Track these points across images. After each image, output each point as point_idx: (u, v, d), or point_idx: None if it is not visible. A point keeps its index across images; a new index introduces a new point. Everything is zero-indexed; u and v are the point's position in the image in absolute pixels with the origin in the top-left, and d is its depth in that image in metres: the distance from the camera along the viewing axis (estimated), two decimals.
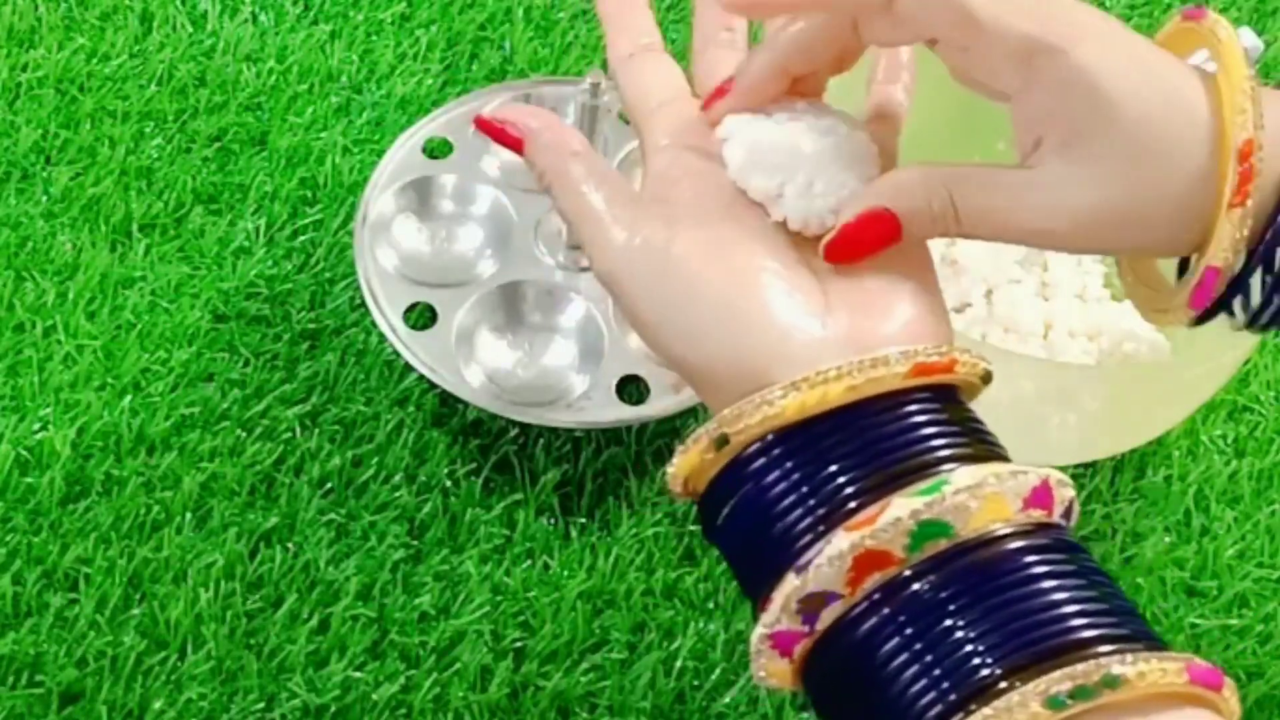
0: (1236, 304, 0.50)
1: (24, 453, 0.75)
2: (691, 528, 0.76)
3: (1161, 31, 0.52)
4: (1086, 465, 0.80)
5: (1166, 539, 0.78)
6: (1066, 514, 0.47)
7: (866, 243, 0.49)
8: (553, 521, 0.76)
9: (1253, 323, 0.50)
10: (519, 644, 0.72)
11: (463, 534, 0.75)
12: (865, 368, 0.46)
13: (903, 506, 0.44)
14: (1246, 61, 0.47)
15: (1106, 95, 0.46)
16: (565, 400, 0.76)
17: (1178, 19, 0.51)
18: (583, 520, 0.76)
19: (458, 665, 0.71)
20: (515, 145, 0.53)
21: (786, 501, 0.46)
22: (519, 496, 0.76)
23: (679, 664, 0.72)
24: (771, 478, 0.46)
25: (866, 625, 0.44)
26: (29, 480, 0.74)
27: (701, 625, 0.73)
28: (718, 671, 0.72)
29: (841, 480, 0.45)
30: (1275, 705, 0.74)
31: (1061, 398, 0.75)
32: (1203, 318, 0.51)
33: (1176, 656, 0.42)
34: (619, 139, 0.81)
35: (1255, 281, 0.49)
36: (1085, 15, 0.48)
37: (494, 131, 0.54)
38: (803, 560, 0.44)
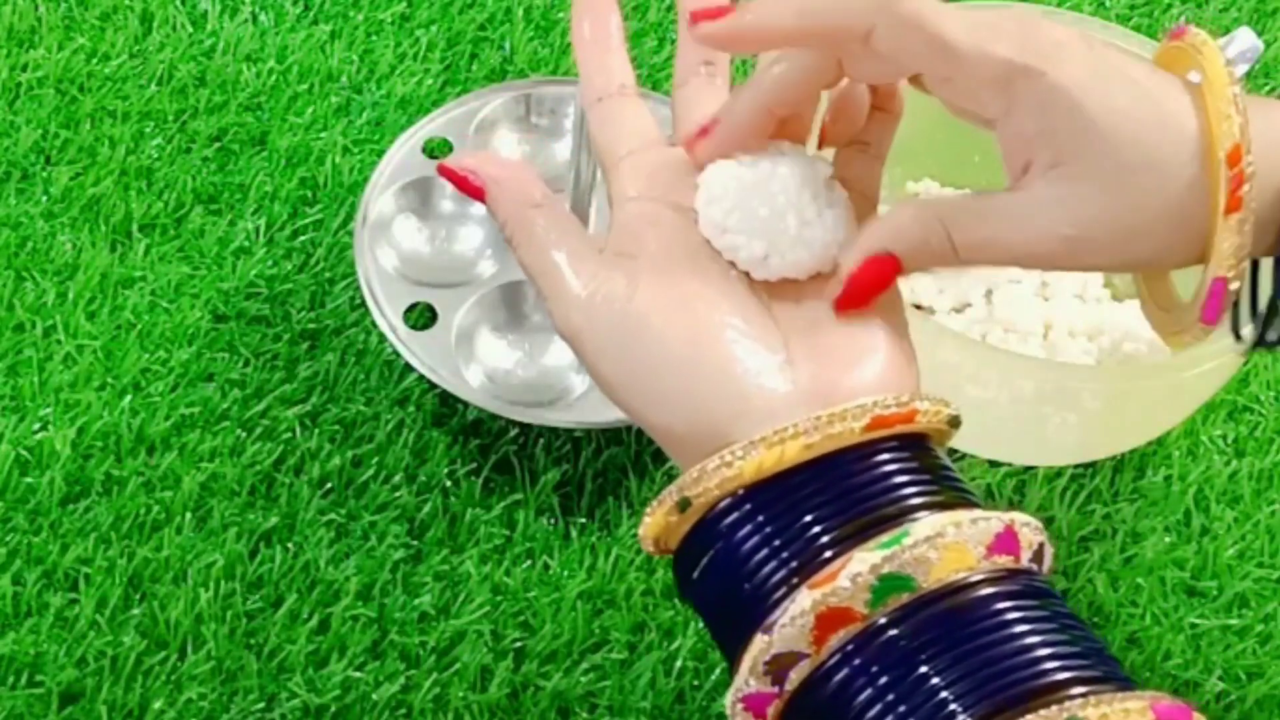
0: (1244, 315, 0.49)
1: (24, 453, 0.75)
2: None
3: (1155, 54, 0.52)
4: (1086, 465, 0.80)
5: (1166, 539, 0.78)
6: (1038, 558, 0.46)
7: (872, 287, 0.49)
8: (553, 521, 0.76)
9: (1262, 340, 0.50)
10: (519, 644, 0.72)
11: (463, 534, 0.75)
12: (822, 425, 0.45)
13: (862, 561, 0.44)
14: (1231, 71, 0.47)
15: (1088, 113, 0.46)
16: (565, 400, 0.76)
17: (1164, 41, 0.51)
18: (583, 520, 0.76)
19: (458, 665, 0.71)
20: (477, 194, 0.53)
21: (756, 558, 0.45)
22: (519, 496, 0.76)
23: (679, 664, 0.72)
24: (741, 534, 0.46)
25: (837, 679, 0.44)
26: (29, 480, 0.74)
27: (701, 625, 0.73)
28: (718, 671, 0.72)
29: (810, 534, 0.45)
30: (1275, 705, 0.74)
31: (1061, 398, 0.75)
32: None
33: (1142, 695, 0.42)
34: None
35: (1265, 291, 0.49)
36: (1064, 35, 0.48)
37: (456, 179, 0.53)
38: (768, 620, 0.44)
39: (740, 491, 0.46)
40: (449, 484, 0.76)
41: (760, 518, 0.46)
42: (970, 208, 0.49)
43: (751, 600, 0.45)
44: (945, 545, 0.44)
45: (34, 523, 0.73)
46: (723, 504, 0.46)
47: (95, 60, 0.88)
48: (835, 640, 0.44)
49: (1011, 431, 0.78)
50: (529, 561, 0.74)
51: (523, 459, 0.77)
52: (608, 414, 0.75)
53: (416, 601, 0.72)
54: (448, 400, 0.77)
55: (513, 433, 0.77)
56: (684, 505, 0.47)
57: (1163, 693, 0.43)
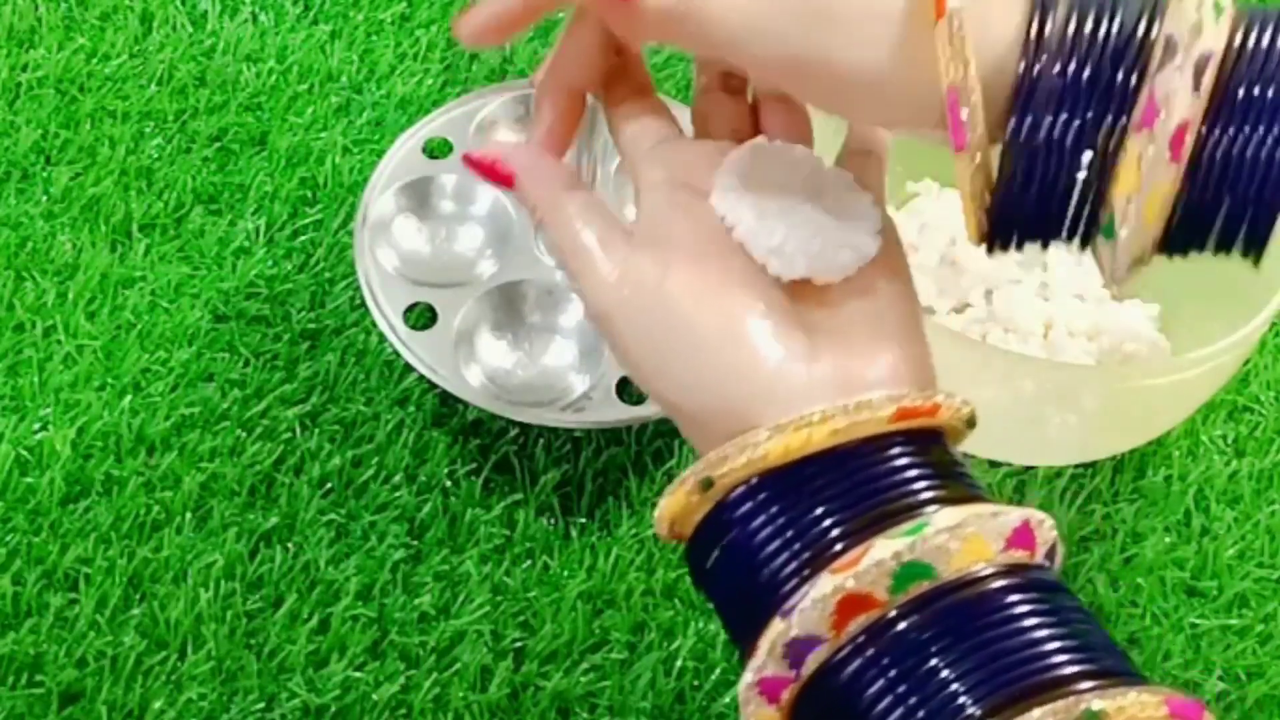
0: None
1: (24, 453, 0.75)
2: None
3: None
4: (1086, 465, 0.80)
5: (1166, 539, 0.78)
6: (1050, 555, 0.47)
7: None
8: (553, 521, 0.76)
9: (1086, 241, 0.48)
10: (519, 644, 0.72)
11: (463, 534, 0.75)
12: (849, 411, 0.46)
13: (885, 548, 0.44)
14: None
15: None
16: (565, 400, 0.76)
17: None
18: (583, 520, 0.76)
19: (458, 665, 0.71)
20: (506, 180, 0.53)
21: (772, 546, 0.46)
22: (519, 496, 0.76)
23: (679, 664, 0.72)
24: (757, 522, 0.46)
25: (850, 668, 0.44)
26: (29, 480, 0.74)
27: (701, 625, 0.73)
28: (718, 671, 0.72)
29: (826, 523, 0.45)
30: (1275, 705, 0.74)
31: (1061, 398, 0.75)
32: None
33: (1156, 689, 0.42)
34: None
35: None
36: None
37: (483, 168, 0.54)
38: (788, 605, 0.45)
39: (756, 479, 0.46)
40: (449, 484, 0.76)
41: (778, 505, 0.46)
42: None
43: (767, 586, 0.45)
44: (967, 536, 0.44)
45: (34, 523, 0.73)
46: (739, 490, 0.46)
47: (95, 60, 0.88)
48: (854, 626, 0.44)
49: (1011, 431, 0.78)
50: (529, 561, 0.74)
51: (523, 459, 0.77)
52: (608, 414, 0.75)
53: (416, 601, 0.72)
54: (448, 400, 0.77)
55: (513, 433, 0.77)
56: (707, 485, 0.47)
57: (1175, 689, 0.43)
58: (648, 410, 0.76)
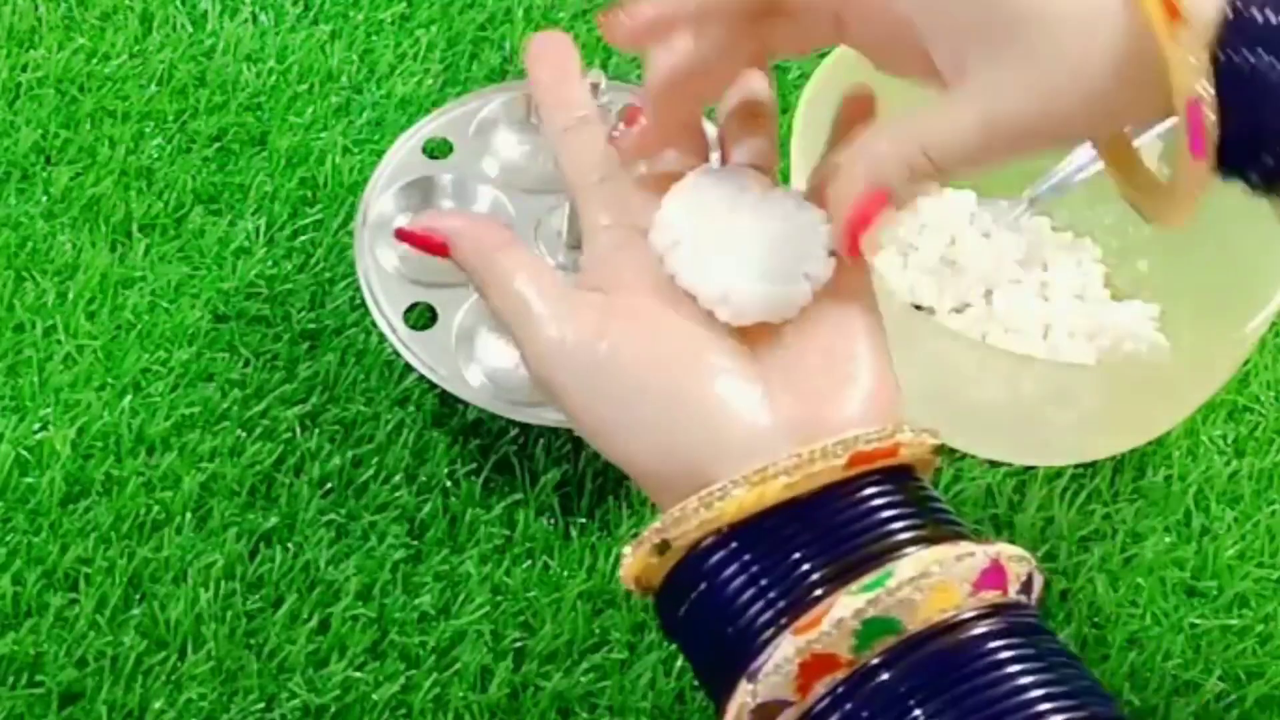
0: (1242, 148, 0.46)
1: (24, 453, 0.75)
2: None
3: None
4: (1086, 465, 0.80)
5: (1166, 539, 0.78)
6: (1026, 588, 0.45)
7: (868, 223, 0.47)
8: (553, 521, 0.76)
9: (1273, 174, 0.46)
10: (519, 644, 0.72)
11: (463, 534, 0.75)
12: (803, 464, 0.44)
13: (846, 606, 0.43)
14: None
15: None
16: None
17: None
18: (583, 520, 0.76)
19: (458, 665, 0.71)
20: (440, 250, 0.52)
21: (741, 599, 0.44)
22: (519, 496, 0.76)
23: (679, 664, 0.72)
24: (725, 575, 0.45)
25: None
26: (29, 480, 0.74)
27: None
28: None
29: (796, 574, 0.44)
30: (1275, 705, 0.74)
31: (1061, 398, 0.75)
32: (1222, 171, 0.46)
33: None
34: None
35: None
36: None
37: (417, 240, 0.53)
38: (754, 666, 0.43)
39: (723, 530, 0.45)
40: (449, 484, 0.76)
41: (744, 558, 0.45)
42: (938, 118, 0.47)
43: (737, 642, 0.44)
44: (930, 585, 0.43)
45: (34, 523, 0.73)
46: (705, 543, 0.45)
47: (95, 60, 0.88)
48: (821, 687, 0.43)
49: (1011, 431, 0.78)
50: (529, 561, 0.74)
51: (523, 459, 0.77)
52: None
53: (416, 601, 0.72)
54: (448, 400, 0.77)
55: (513, 433, 0.77)
56: (663, 548, 0.46)
57: None
58: None
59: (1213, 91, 0.43)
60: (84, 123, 0.86)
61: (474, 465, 0.76)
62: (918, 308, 0.80)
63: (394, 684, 0.70)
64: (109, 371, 0.78)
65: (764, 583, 0.44)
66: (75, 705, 0.68)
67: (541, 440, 0.77)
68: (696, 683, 0.71)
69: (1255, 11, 0.43)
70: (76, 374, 0.77)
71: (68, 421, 0.76)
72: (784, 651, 0.43)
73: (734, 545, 0.45)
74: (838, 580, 0.43)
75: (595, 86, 0.75)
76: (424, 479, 0.76)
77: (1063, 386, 0.75)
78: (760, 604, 0.44)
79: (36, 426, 0.75)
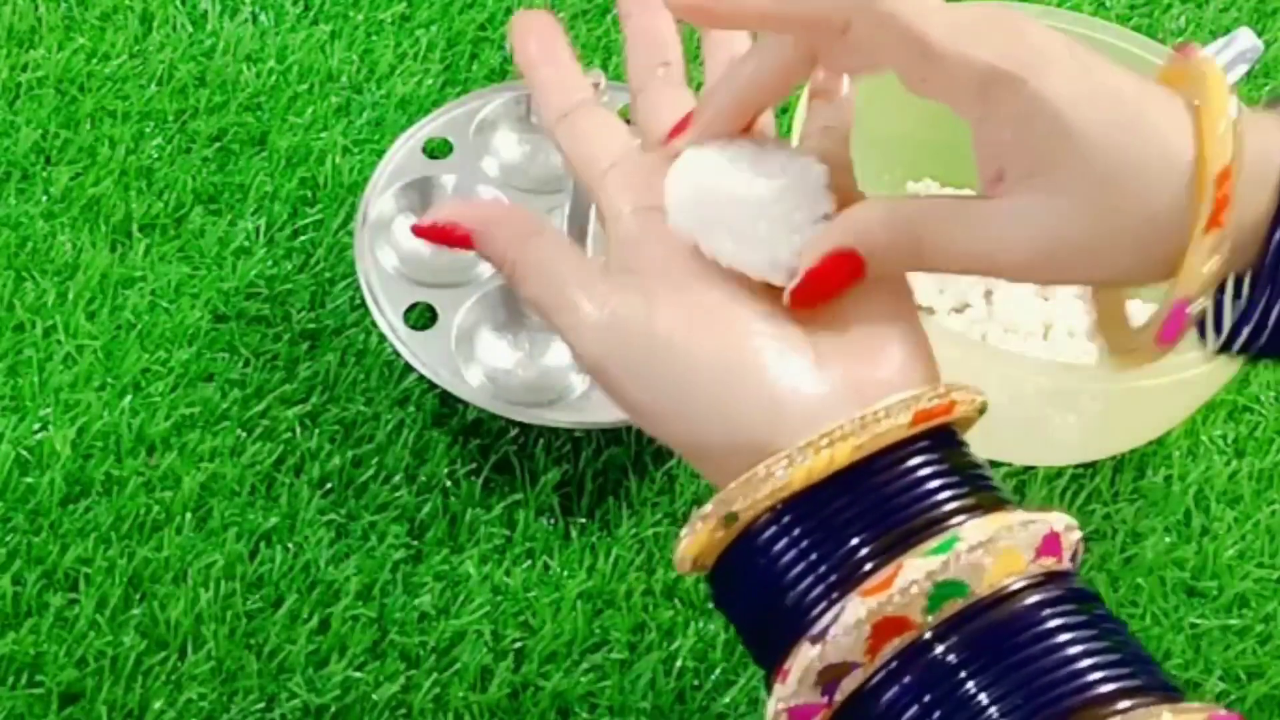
0: (1209, 327, 0.48)
1: (24, 453, 0.75)
2: None
3: (1159, 71, 0.50)
4: (1086, 465, 0.80)
5: (1166, 539, 0.78)
6: (1073, 557, 0.46)
7: (832, 286, 0.47)
8: (553, 521, 0.76)
9: (1227, 346, 0.48)
10: (519, 644, 0.72)
11: (463, 534, 0.75)
12: (869, 424, 0.44)
13: (917, 568, 0.43)
14: (1232, 95, 0.46)
15: (1069, 125, 0.45)
16: (565, 400, 0.76)
17: (1170, 58, 0.50)
18: (583, 520, 0.76)
19: (458, 665, 0.71)
20: (464, 242, 0.51)
21: (796, 570, 0.45)
22: (519, 496, 0.76)
23: (679, 664, 0.72)
24: (780, 547, 0.45)
25: (886, 695, 0.43)
26: (29, 480, 0.74)
27: (701, 625, 0.73)
28: (718, 671, 0.72)
29: (852, 544, 0.44)
30: (1275, 705, 0.74)
31: (1061, 398, 0.75)
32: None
33: (1196, 706, 0.42)
34: None
35: (1227, 303, 0.47)
36: (1048, 41, 0.46)
37: (437, 234, 0.51)
38: (817, 629, 0.43)
39: (779, 505, 0.45)
40: (449, 484, 0.76)
41: (801, 528, 0.45)
42: (942, 214, 0.47)
43: (795, 611, 0.44)
44: (998, 551, 0.43)
45: (34, 523, 0.73)
46: (762, 518, 0.45)
47: (95, 60, 0.88)
48: (889, 649, 0.43)
49: (1011, 431, 0.78)
50: (529, 561, 0.74)
51: (523, 459, 0.77)
52: (608, 414, 0.75)
53: (416, 601, 0.72)
54: (448, 400, 0.77)
55: (513, 433, 0.77)
56: (731, 519, 0.45)
57: (1213, 703, 0.42)
58: None
59: (1209, 305, 0.46)
60: (84, 123, 0.86)
61: (474, 465, 0.76)
62: (917, 308, 0.80)
63: (394, 684, 0.70)
64: (109, 371, 0.78)
65: (821, 553, 0.44)
66: (75, 705, 0.68)
67: (541, 440, 0.77)
68: (695, 683, 0.71)
69: None
70: (76, 374, 0.77)
71: (68, 421, 0.76)
72: (854, 613, 0.43)
73: (789, 518, 0.45)
74: (893, 550, 0.44)
75: (595, 86, 0.75)
76: (424, 479, 0.76)
77: (1063, 386, 0.75)
78: (818, 572, 0.44)
79: (36, 426, 0.75)
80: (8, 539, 0.72)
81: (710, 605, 0.73)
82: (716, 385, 0.46)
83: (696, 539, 0.46)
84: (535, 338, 0.79)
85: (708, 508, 0.46)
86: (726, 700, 0.71)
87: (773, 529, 0.45)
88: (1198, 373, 0.73)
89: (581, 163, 0.52)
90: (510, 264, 0.50)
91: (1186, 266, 0.45)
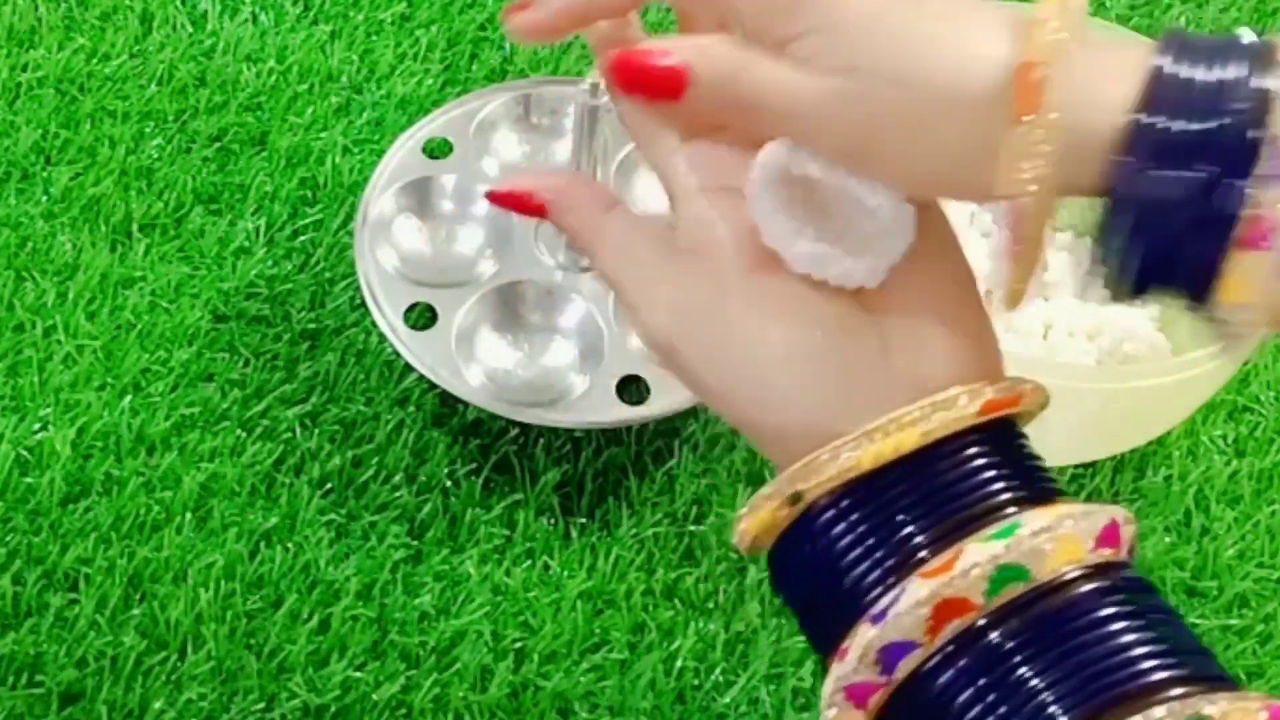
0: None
1: (24, 453, 0.75)
2: (691, 527, 0.76)
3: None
4: (1086, 465, 0.80)
5: (1166, 539, 0.78)
6: (1130, 550, 0.47)
7: (647, 87, 0.48)
8: (553, 521, 0.76)
9: (1120, 285, 0.47)
10: (519, 644, 0.72)
11: (463, 534, 0.75)
12: (938, 410, 0.45)
13: (979, 552, 0.43)
14: (1076, 9, 0.44)
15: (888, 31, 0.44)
16: (565, 400, 0.76)
17: None
18: (583, 520, 0.76)
19: (458, 665, 0.71)
20: (539, 211, 0.51)
21: (856, 553, 0.45)
22: (519, 496, 0.76)
23: (679, 664, 0.72)
24: (840, 529, 0.45)
25: (943, 676, 0.43)
26: (29, 480, 0.74)
27: (701, 625, 0.73)
28: (718, 671, 0.72)
29: (909, 530, 0.45)
30: None
31: (1061, 398, 0.75)
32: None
33: (1251, 696, 0.42)
34: (619, 140, 0.81)
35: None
36: None
37: (513, 202, 0.51)
38: (877, 609, 0.44)
39: (839, 488, 0.45)
40: (449, 484, 0.76)
41: (860, 512, 0.45)
42: (764, 67, 0.46)
43: (851, 593, 0.45)
44: (1060, 537, 0.44)
45: (34, 523, 0.73)
46: (822, 501, 0.46)
47: (95, 60, 0.88)
48: (948, 631, 0.43)
49: None
50: (529, 561, 0.74)
51: (523, 459, 0.77)
52: (608, 414, 0.75)
53: (416, 601, 0.72)
54: (448, 400, 0.77)
55: (513, 433, 0.77)
56: (795, 499, 0.46)
57: (1269, 695, 0.43)
58: (648, 410, 0.76)
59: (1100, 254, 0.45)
60: (84, 123, 0.86)
61: (474, 465, 0.76)
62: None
63: (394, 684, 0.70)
64: (109, 371, 0.78)
65: (877, 538, 0.45)
66: (75, 705, 0.68)
67: (541, 440, 0.77)
68: (695, 683, 0.71)
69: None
70: (76, 374, 0.77)
71: (68, 421, 0.76)
72: (915, 594, 0.43)
73: (849, 502, 0.45)
74: (951, 536, 0.44)
75: (595, 86, 0.75)
76: (424, 479, 0.76)
77: (1063, 386, 0.75)
78: (874, 558, 0.45)
79: (36, 426, 0.75)
80: (8, 539, 0.72)
81: (710, 605, 0.74)
82: (785, 371, 0.46)
83: (758, 517, 0.47)
84: (535, 338, 0.79)
85: (770, 487, 0.46)
86: (726, 700, 0.71)
87: (833, 511, 0.46)
88: (1198, 373, 0.73)
89: (646, 137, 0.51)
90: (584, 235, 0.50)
91: (999, 162, 0.44)
